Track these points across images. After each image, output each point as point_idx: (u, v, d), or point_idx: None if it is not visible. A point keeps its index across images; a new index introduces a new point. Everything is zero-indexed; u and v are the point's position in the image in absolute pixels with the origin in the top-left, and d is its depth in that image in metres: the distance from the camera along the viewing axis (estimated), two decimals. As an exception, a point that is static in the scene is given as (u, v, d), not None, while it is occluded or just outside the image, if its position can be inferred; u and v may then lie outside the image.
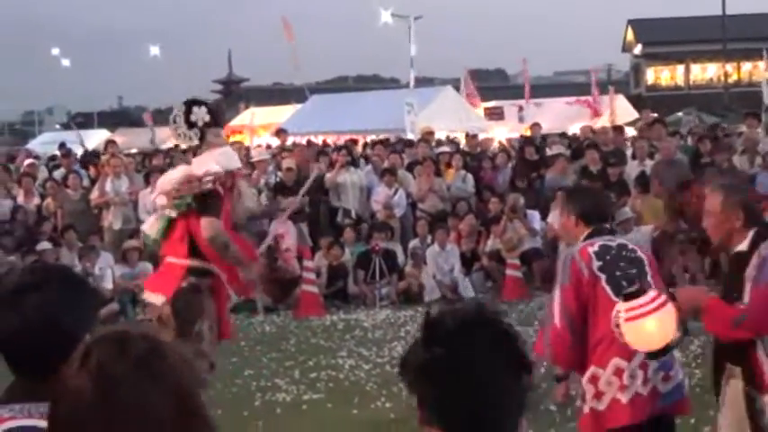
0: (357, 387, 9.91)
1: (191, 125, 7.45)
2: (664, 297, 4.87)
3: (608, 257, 5.50)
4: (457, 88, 34.19)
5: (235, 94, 66.83)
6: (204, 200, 7.32)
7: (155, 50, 61.84)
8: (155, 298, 7.40)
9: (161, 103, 61.83)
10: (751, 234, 5.24)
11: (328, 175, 17.31)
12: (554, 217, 15.80)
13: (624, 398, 5.33)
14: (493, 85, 66.09)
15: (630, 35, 64.95)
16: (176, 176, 7.43)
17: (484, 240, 15.79)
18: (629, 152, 17.49)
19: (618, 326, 4.81)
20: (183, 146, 8.21)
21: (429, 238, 15.43)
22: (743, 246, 5.24)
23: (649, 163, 16.03)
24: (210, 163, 7.36)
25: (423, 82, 48.01)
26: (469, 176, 17.60)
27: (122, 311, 14.79)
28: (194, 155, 8.13)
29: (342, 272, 15.22)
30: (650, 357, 5.01)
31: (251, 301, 14.68)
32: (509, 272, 14.83)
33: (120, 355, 1.98)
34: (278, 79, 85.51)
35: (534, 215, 15.88)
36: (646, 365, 5.30)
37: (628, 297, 4.83)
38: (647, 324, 4.78)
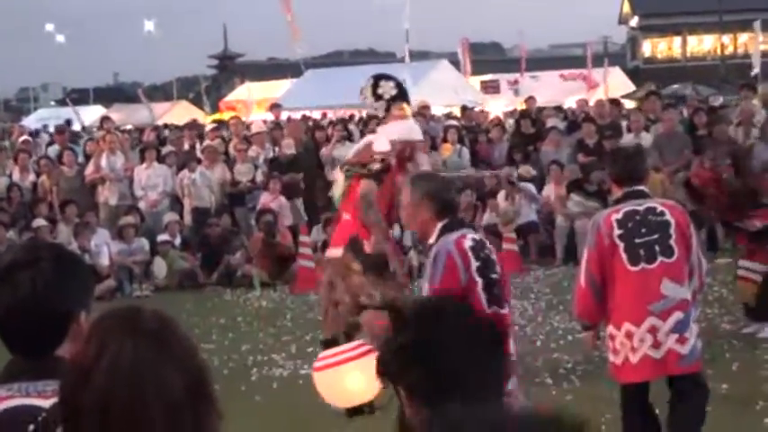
0: (353, 361, 9.92)
1: (377, 97, 8.05)
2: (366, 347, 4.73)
3: (630, 225, 5.78)
4: (453, 62, 34.14)
5: (230, 70, 66.63)
6: (371, 170, 7.86)
7: (149, 26, 61.77)
8: (335, 252, 8.01)
9: (157, 78, 61.77)
10: (439, 226, 5.17)
11: (324, 150, 17.31)
12: (549, 190, 15.83)
13: (634, 359, 5.79)
14: (489, 59, 65.87)
15: (627, 7, 64.75)
16: (359, 146, 8.23)
17: (480, 214, 15.80)
18: (625, 125, 17.47)
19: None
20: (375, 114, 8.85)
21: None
22: (432, 239, 5.20)
23: (645, 136, 16.00)
24: (385, 141, 7.88)
25: (418, 56, 47.91)
26: (465, 150, 17.58)
27: (119, 288, 14.82)
28: (378, 125, 8.73)
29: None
30: (348, 414, 4.92)
31: (247, 276, 14.75)
32: (505, 246, 14.81)
33: (132, 332, 1.98)
34: (273, 54, 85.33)
35: (530, 188, 15.88)
36: (655, 330, 5.69)
37: (326, 345, 4.54)
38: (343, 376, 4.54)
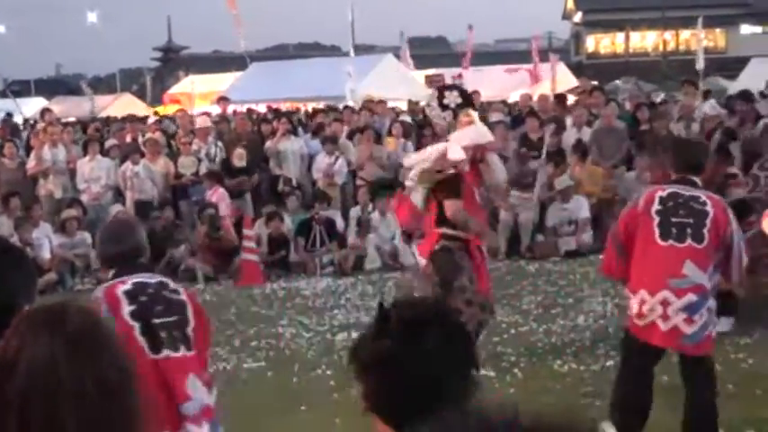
0: (297, 355, 9.91)
1: (444, 107, 8.69)
2: None
3: (671, 204, 6.16)
4: (398, 56, 34.16)
5: (174, 62, 66.16)
6: (446, 182, 8.31)
7: (92, 17, 61.06)
8: (421, 260, 8.80)
9: (100, 70, 61.15)
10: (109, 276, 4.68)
11: (269, 144, 17.27)
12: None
13: (640, 322, 6.15)
14: (434, 53, 65.97)
15: (571, 3, 65.25)
16: (433, 155, 8.35)
17: (425, 208, 15.81)
18: (569, 120, 17.57)
19: None
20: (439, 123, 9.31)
21: (370, 206, 15.42)
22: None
23: (587, 131, 16.13)
24: (458, 149, 8.25)
25: (364, 49, 47.93)
26: (410, 144, 17.60)
27: (61, 282, 14.66)
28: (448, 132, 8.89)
29: (283, 240, 15.20)
30: None
31: (191, 270, 14.67)
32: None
33: (52, 330, 1.95)
34: (218, 47, 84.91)
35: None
36: (667, 303, 6.03)
37: None
38: None
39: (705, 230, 6.06)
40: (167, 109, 28.96)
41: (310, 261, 14.76)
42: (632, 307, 6.23)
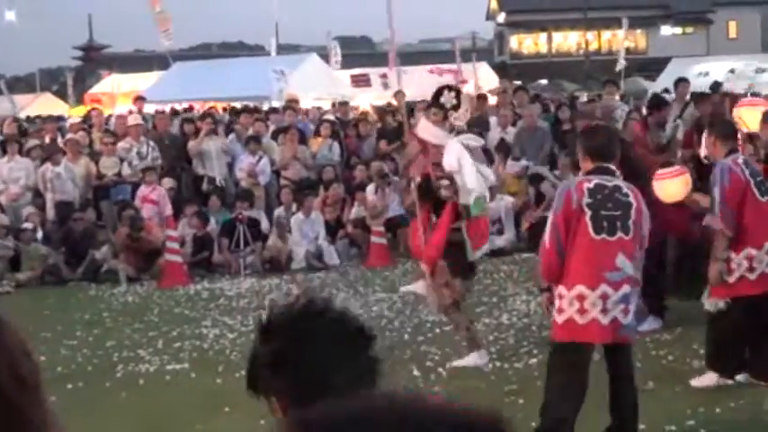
0: (221, 356, 9.84)
1: (440, 106, 8.98)
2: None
3: (599, 196, 6.13)
4: (323, 56, 34.08)
5: (95, 61, 65.33)
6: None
7: (10, 15, 59.95)
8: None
9: (19, 69, 60.23)
10: None
11: (192, 143, 17.12)
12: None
13: (581, 320, 6.10)
14: (359, 53, 66.00)
15: (494, 3, 65.71)
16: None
17: (349, 208, 15.82)
18: (493, 120, 17.67)
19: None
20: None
21: (294, 207, 15.37)
22: None
23: (511, 131, 16.24)
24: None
25: (288, 49, 47.80)
26: (336, 145, 17.60)
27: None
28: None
29: (207, 240, 15.09)
30: None
31: (113, 272, 14.49)
32: (374, 239, 14.89)
33: None
34: (140, 46, 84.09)
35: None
36: (606, 297, 6.06)
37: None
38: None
39: (630, 222, 6.13)
40: (88, 109, 28.49)
41: (234, 261, 14.67)
42: (568, 305, 6.15)
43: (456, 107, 8.98)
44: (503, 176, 15.18)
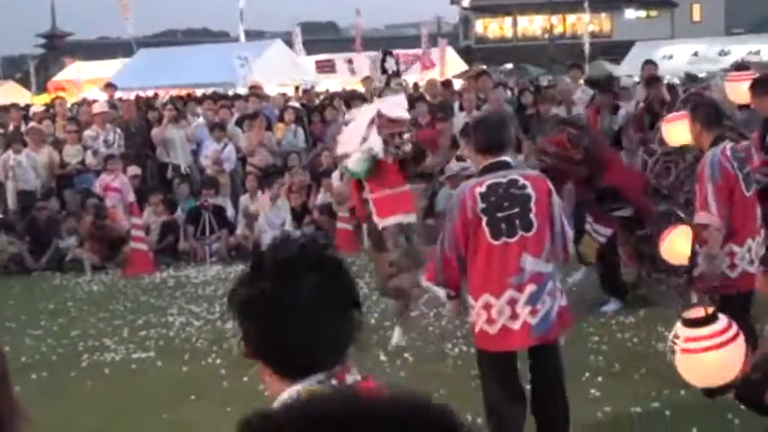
0: (188, 344, 9.83)
1: (384, 71, 9.16)
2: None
3: (493, 198, 5.81)
4: (287, 42, 33.98)
5: (59, 49, 64.78)
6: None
7: (-27, 3, 59.34)
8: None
9: (-19, 57, 59.56)
10: None
11: (156, 130, 17.04)
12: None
13: (492, 330, 5.86)
14: (324, 38, 65.85)
15: (459, -12, 65.58)
16: (368, 117, 9.00)
17: (315, 194, 15.80)
18: (457, 105, 17.68)
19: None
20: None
21: (259, 193, 15.34)
22: None
23: (476, 115, 16.22)
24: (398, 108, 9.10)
25: (253, 35, 47.52)
26: (300, 131, 17.57)
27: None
28: (379, 96, 9.30)
29: (174, 226, 15.05)
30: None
31: (78, 261, 14.42)
32: (340, 225, 14.88)
33: None
34: (104, 33, 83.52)
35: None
36: (514, 302, 5.79)
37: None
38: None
39: (532, 215, 5.82)
40: (51, 97, 28.28)
41: (200, 249, 14.64)
42: (477, 316, 5.92)
43: (397, 73, 9.32)
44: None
